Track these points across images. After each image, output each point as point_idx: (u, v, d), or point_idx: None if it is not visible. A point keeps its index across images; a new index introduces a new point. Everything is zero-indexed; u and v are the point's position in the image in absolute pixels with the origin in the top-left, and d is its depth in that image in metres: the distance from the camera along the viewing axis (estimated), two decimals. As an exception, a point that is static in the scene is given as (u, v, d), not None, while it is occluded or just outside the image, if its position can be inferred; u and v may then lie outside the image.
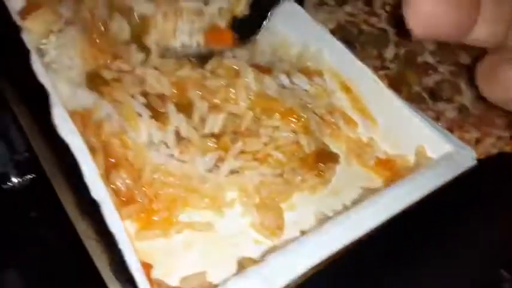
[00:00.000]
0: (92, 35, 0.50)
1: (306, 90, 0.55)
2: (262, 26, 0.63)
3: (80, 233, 0.45)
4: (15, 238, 0.57)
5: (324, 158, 0.51)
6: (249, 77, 0.49)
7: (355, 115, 0.63)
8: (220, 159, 0.48)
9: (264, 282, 0.38)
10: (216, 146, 0.48)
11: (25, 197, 0.59)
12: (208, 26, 0.62)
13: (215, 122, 0.49)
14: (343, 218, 0.44)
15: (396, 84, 0.68)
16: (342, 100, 0.64)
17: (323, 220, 0.53)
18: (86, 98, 0.50)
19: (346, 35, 0.74)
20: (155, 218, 0.49)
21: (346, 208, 0.55)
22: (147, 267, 0.41)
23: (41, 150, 0.50)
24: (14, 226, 0.57)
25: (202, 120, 0.49)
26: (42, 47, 0.53)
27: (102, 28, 0.50)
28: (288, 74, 0.55)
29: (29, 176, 0.60)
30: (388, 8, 0.83)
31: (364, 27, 0.78)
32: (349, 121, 0.62)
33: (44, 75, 0.44)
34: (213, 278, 0.46)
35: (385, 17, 0.82)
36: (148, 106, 0.49)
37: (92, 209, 0.45)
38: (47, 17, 0.52)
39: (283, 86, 0.54)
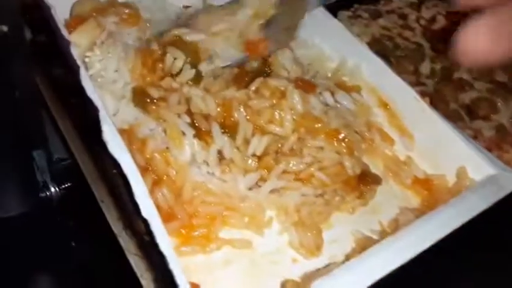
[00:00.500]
0: (144, 58, 0.50)
1: (348, 109, 0.55)
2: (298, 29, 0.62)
3: (123, 247, 0.45)
4: (52, 247, 0.57)
5: (367, 180, 0.50)
6: (295, 97, 0.49)
7: (392, 132, 0.62)
8: (262, 179, 0.48)
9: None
10: (257, 165, 0.48)
11: (62, 205, 0.60)
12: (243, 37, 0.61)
13: (259, 145, 0.49)
14: (388, 243, 0.43)
15: (433, 101, 0.67)
16: (378, 116, 0.63)
17: (361, 239, 0.53)
18: (129, 112, 0.51)
19: (381, 49, 0.74)
20: (195, 234, 0.49)
21: (383, 227, 0.55)
22: (195, 287, 0.41)
23: (84, 163, 0.51)
24: (51, 235, 0.58)
25: (246, 141, 0.49)
26: (86, 59, 0.53)
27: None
28: (332, 92, 0.54)
29: (66, 185, 0.61)
30: (422, 21, 0.82)
31: (399, 41, 0.78)
32: (385, 138, 0.62)
33: (93, 90, 0.44)
34: (253, 296, 0.46)
35: (420, 31, 0.81)
36: (193, 125, 0.49)
37: (137, 226, 0.45)
38: (92, 30, 0.52)
39: (326, 104, 0.53)
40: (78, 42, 0.52)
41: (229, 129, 0.49)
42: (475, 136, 0.67)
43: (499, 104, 0.71)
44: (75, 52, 0.47)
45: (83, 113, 0.50)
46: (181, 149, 0.47)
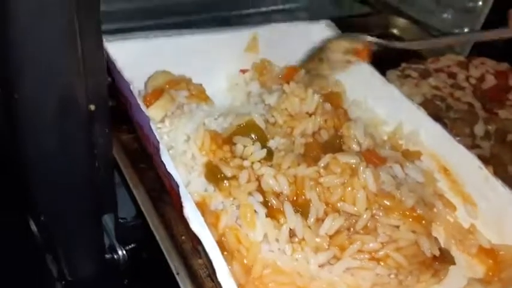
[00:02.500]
0: (214, 138, 0.53)
1: (419, 182, 0.55)
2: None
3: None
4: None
5: (442, 259, 0.50)
6: (367, 175, 0.50)
7: (453, 198, 0.62)
8: (334, 257, 0.48)
9: None
10: (330, 244, 0.48)
11: (129, 268, 0.61)
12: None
13: (332, 225, 0.49)
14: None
15: (491, 165, 0.67)
16: (439, 181, 0.63)
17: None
18: (200, 183, 0.53)
19: (434, 111, 0.74)
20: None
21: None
22: None
23: (156, 229, 0.52)
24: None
25: (318, 220, 0.49)
26: (158, 131, 0.55)
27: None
28: (401, 164, 0.55)
29: (131, 246, 0.63)
30: (472, 80, 0.83)
31: (451, 101, 0.78)
32: (447, 204, 0.61)
33: (173, 166, 0.46)
34: None
35: (471, 90, 0.81)
36: (264, 203, 0.49)
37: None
38: (167, 104, 0.55)
39: (395, 176, 0.54)
40: (154, 116, 0.54)
41: (301, 207, 0.49)
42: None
43: (556, 168, 0.70)
44: (154, 127, 0.50)
45: (155, 180, 0.52)
46: (254, 229, 0.48)
